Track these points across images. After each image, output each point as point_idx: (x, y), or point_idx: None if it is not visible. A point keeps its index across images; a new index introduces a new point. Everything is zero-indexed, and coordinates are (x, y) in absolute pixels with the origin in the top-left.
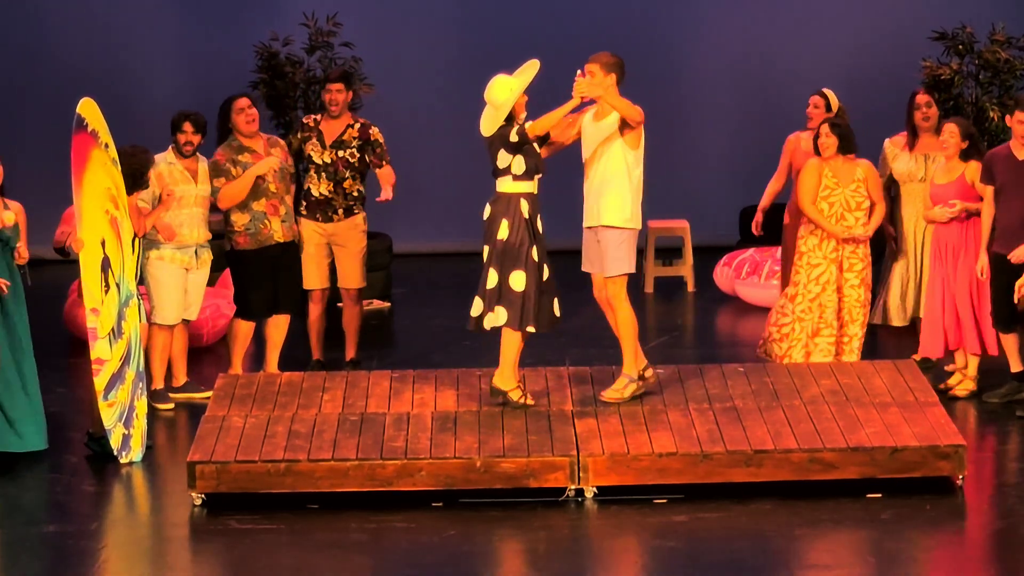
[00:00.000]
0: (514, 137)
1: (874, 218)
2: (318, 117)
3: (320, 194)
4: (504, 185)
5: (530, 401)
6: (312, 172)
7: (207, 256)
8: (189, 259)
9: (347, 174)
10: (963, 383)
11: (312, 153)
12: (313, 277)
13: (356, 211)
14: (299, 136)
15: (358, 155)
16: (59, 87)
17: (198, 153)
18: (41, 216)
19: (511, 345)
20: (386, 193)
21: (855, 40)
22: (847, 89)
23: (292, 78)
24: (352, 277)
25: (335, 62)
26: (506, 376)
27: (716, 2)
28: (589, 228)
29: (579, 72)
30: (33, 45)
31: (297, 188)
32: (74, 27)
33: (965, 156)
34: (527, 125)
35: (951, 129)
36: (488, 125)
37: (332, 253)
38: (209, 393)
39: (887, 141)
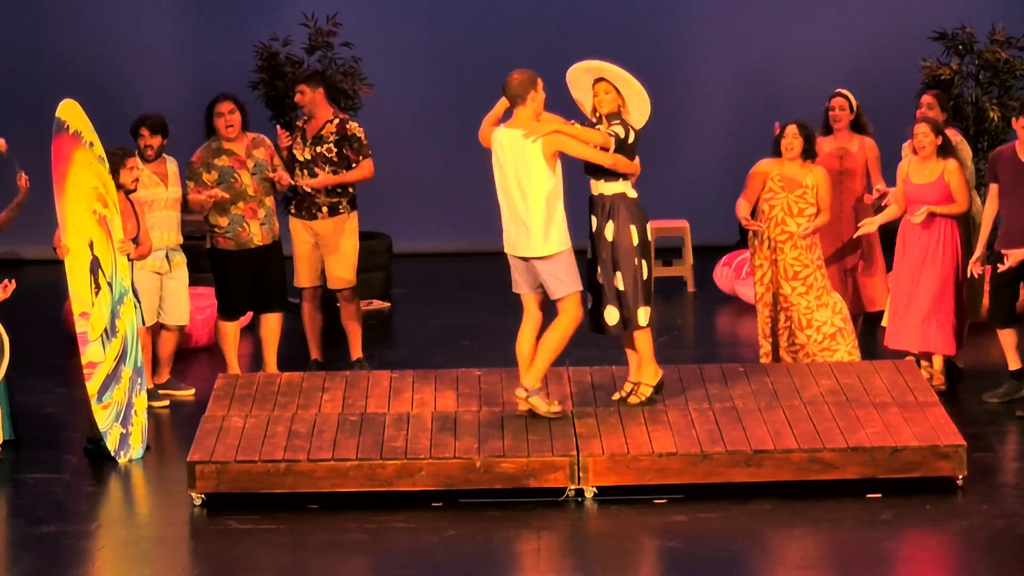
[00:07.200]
0: (632, 138)
1: (816, 221)
2: (305, 118)
3: (303, 190)
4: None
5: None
6: (297, 170)
7: (180, 259)
8: (160, 263)
9: (327, 169)
10: (931, 381)
11: (296, 152)
12: (303, 275)
13: (342, 210)
14: (291, 140)
15: (335, 150)
16: (59, 87)
17: (165, 155)
18: (39, 216)
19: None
20: (284, 178)
21: (855, 40)
22: (847, 89)
23: (292, 78)
24: (339, 278)
25: (335, 62)
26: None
27: (716, 2)
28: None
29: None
30: (32, 44)
31: (292, 188)
32: (73, 27)
33: (942, 153)
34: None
35: (923, 130)
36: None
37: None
38: (191, 391)
39: (904, 144)
